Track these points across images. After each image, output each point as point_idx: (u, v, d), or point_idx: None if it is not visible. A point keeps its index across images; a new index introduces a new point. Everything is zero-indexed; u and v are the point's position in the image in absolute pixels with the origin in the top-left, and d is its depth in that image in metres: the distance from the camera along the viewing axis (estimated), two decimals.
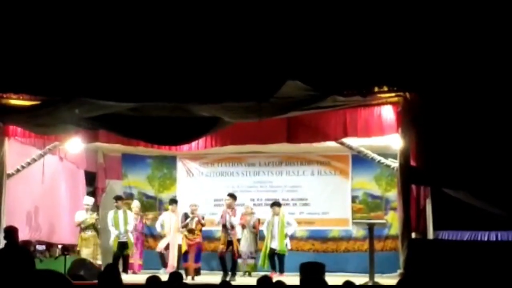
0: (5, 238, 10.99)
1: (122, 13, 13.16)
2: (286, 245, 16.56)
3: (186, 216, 16.34)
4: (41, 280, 7.84)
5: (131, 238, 16.84)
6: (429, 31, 12.81)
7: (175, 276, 9.42)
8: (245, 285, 13.23)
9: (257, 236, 16.81)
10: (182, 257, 16.43)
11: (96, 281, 13.12)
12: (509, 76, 12.76)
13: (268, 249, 16.47)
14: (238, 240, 16.23)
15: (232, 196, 16.40)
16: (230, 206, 16.17)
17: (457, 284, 11.00)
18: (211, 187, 18.20)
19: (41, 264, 14.00)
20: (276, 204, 16.79)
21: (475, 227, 13.66)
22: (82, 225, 16.20)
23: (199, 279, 15.51)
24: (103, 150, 18.43)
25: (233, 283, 12.39)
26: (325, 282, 8.31)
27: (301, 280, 9.66)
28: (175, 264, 16.79)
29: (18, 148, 15.13)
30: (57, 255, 15.98)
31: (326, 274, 13.71)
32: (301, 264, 13.71)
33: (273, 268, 16.38)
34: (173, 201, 17.64)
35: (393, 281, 11.00)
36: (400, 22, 12.88)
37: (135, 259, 17.13)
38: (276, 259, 16.46)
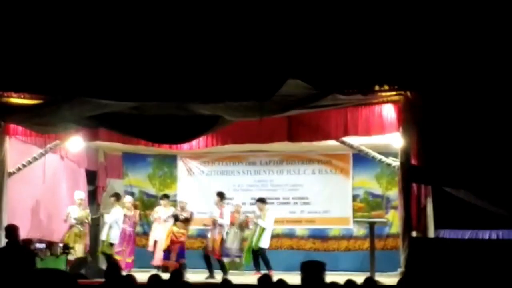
0: (6, 236, 11.01)
1: (123, 12, 13.18)
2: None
3: (174, 215, 16.47)
4: (48, 280, 7.87)
5: (111, 237, 16.67)
6: (430, 30, 12.82)
7: (176, 275, 9.43)
8: (246, 285, 13.23)
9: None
10: (164, 254, 16.37)
11: (97, 280, 13.22)
12: (509, 75, 12.77)
13: (251, 245, 16.44)
14: (222, 240, 16.33)
15: (220, 194, 16.59)
16: (220, 205, 16.44)
17: (458, 283, 11.01)
18: (212, 186, 18.19)
19: (42, 262, 14.00)
20: (260, 200, 16.73)
21: (476, 226, 13.68)
22: (75, 221, 16.16)
23: (199, 278, 15.50)
24: (104, 149, 18.43)
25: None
26: (324, 282, 8.32)
27: (302, 279, 9.64)
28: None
29: (19, 147, 15.13)
30: (58, 253, 15.98)
31: (327, 273, 13.69)
32: (302, 262, 13.70)
33: (256, 266, 16.32)
34: (165, 196, 17.64)
35: (394, 280, 11.01)
36: (401, 21, 12.90)
37: (123, 257, 17.01)
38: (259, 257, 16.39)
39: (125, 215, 17.06)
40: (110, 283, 8.64)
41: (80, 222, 16.28)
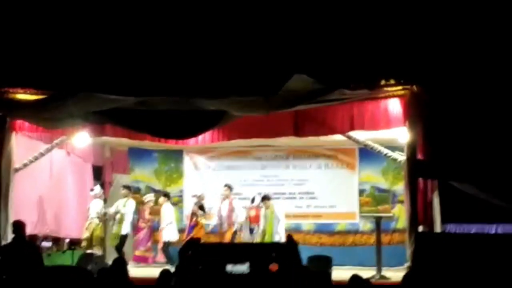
0: (13, 232, 11.06)
1: (128, 7, 13.18)
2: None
3: (202, 207, 16.66)
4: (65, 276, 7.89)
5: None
6: (436, 25, 12.81)
7: (182, 269, 9.47)
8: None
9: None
10: None
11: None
12: None
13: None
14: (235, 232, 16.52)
15: (229, 186, 16.88)
16: (227, 197, 16.81)
17: (465, 277, 10.99)
18: (218, 181, 18.20)
19: (48, 258, 14.04)
20: (266, 197, 16.78)
21: (482, 220, 13.69)
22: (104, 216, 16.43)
23: None
24: (110, 144, 18.44)
25: None
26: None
27: (308, 274, 9.69)
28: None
29: (25, 143, 15.13)
30: (64, 249, 16.02)
31: (333, 267, 13.74)
32: (308, 257, 13.74)
33: None
34: (165, 195, 17.65)
35: (400, 274, 11.00)
36: (407, 15, 12.89)
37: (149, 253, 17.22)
38: None
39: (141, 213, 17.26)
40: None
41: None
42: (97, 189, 16.79)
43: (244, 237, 16.74)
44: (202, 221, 16.86)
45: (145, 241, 17.21)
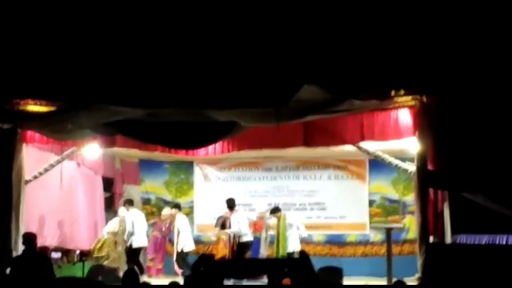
0: (23, 244, 11.08)
1: (140, 20, 13.23)
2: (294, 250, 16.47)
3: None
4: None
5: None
6: (446, 35, 12.81)
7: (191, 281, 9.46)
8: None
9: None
10: None
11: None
12: None
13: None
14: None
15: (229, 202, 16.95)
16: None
17: None
18: (228, 192, 18.20)
19: (59, 270, 14.05)
20: (276, 209, 16.75)
21: (493, 231, 13.60)
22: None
23: None
24: (120, 156, 18.49)
25: None
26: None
27: (319, 285, 9.69)
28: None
29: (36, 154, 15.14)
30: (74, 260, 16.03)
31: (344, 278, 13.72)
32: (319, 268, 13.73)
33: None
34: (177, 206, 17.69)
35: (411, 285, 10.99)
36: (417, 26, 12.89)
37: (155, 263, 17.19)
38: None
39: (157, 223, 17.36)
40: None
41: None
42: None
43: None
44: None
45: (153, 251, 17.29)
